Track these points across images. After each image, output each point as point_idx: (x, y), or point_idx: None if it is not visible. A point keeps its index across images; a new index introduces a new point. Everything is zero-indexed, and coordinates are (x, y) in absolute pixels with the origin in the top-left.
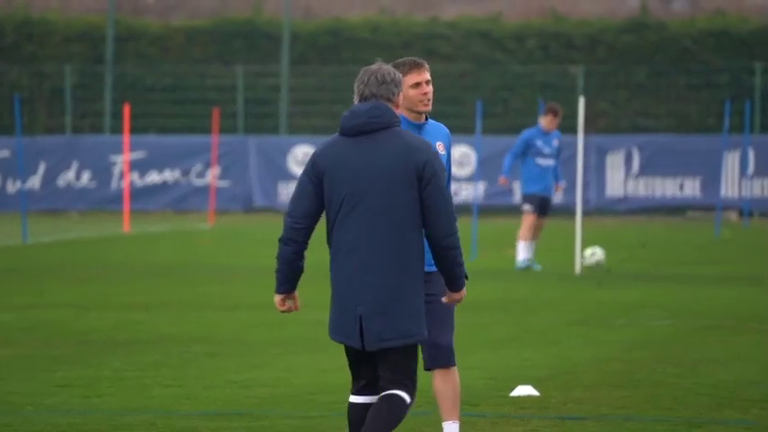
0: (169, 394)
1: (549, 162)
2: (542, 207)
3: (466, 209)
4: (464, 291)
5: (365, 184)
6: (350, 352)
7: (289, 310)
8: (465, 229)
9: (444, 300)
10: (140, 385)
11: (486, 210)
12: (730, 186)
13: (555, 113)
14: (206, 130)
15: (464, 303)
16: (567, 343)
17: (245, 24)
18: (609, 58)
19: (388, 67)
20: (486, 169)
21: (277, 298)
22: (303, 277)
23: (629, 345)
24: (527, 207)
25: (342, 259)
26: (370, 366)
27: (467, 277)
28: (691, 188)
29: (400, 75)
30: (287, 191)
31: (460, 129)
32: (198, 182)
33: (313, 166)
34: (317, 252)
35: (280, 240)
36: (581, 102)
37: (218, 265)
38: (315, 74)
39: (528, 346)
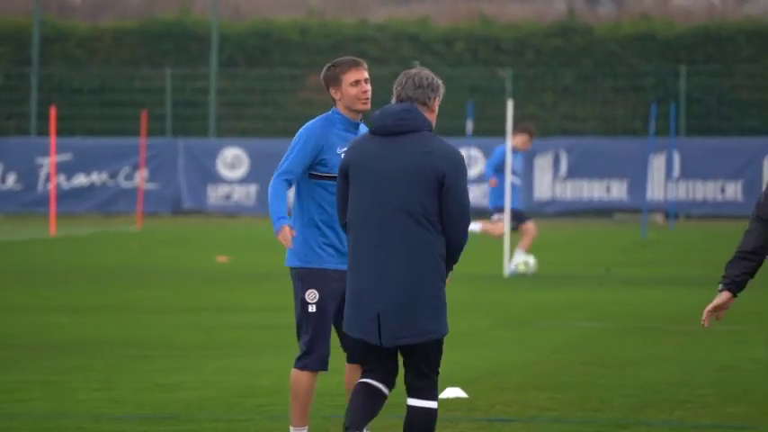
0: (97, 398)
1: (518, 182)
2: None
3: None
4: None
5: (387, 184)
6: (365, 346)
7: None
8: None
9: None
10: (68, 389)
11: None
12: (656, 189)
13: (529, 134)
14: (134, 133)
15: None
16: (496, 345)
17: (173, 26)
18: (536, 61)
19: (427, 72)
20: None
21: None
22: (230, 280)
23: (556, 347)
24: (496, 217)
25: (360, 257)
26: (382, 360)
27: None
28: (617, 190)
29: (439, 80)
30: (216, 193)
31: None
32: (126, 184)
33: (343, 162)
34: (242, 255)
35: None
36: (509, 105)
37: (146, 268)
38: (244, 76)
39: (457, 348)
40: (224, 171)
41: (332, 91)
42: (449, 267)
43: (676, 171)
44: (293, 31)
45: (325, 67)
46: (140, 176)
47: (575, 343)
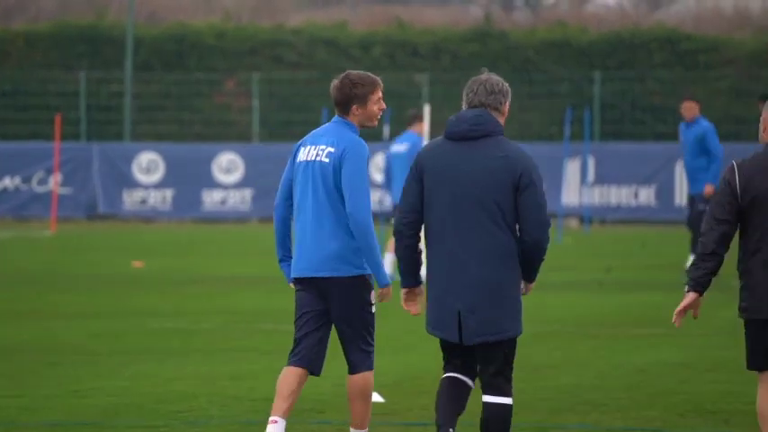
0: (10, 405)
1: None
2: None
3: None
4: (533, 284)
5: (464, 188)
6: (446, 343)
7: (412, 310)
8: None
9: (522, 290)
10: None
11: None
12: (571, 193)
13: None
14: (48, 137)
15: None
16: (414, 350)
17: (87, 29)
18: (453, 66)
19: (496, 78)
20: None
21: (401, 292)
22: (145, 286)
23: None
24: None
25: (440, 257)
26: (463, 357)
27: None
28: None
29: (507, 85)
30: (131, 198)
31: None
32: (39, 189)
33: (417, 164)
34: (158, 260)
35: (393, 234)
36: (426, 109)
37: (60, 273)
38: (159, 80)
39: (378, 354)
40: (139, 175)
41: (354, 108)
42: (530, 274)
43: (591, 176)
44: (209, 36)
45: (343, 84)
46: (54, 181)
47: None
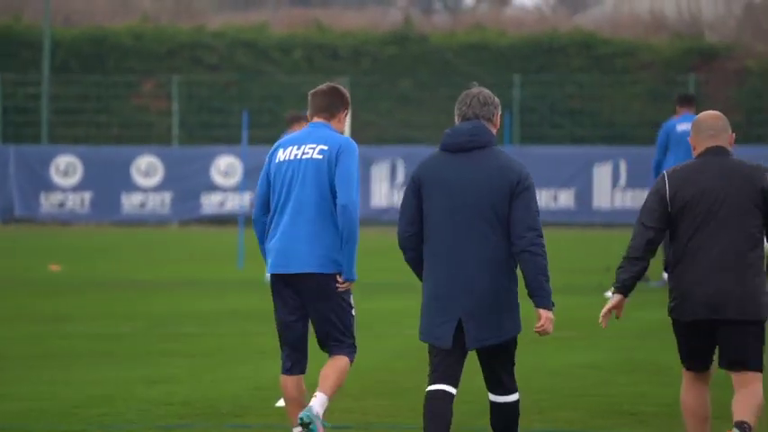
0: None
1: None
2: None
3: (232, 219)
4: (550, 313)
5: (463, 198)
6: (435, 350)
7: None
8: (231, 239)
9: (538, 327)
10: None
11: (252, 220)
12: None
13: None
14: None
15: (231, 312)
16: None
17: (3, 30)
18: (373, 69)
19: (486, 91)
20: (252, 180)
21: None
22: (63, 289)
23: (394, 354)
24: None
25: (439, 265)
26: (450, 361)
27: (553, 304)
28: None
29: (496, 97)
30: (49, 201)
31: (226, 139)
32: None
33: (415, 178)
34: (75, 264)
35: (399, 247)
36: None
37: None
38: (77, 82)
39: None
40: (57, 178)
41: (341, 115)
42: (539, 294)
43: None
44: (127, 37)
45: (334, 92)
46: None
47: (412, 350)
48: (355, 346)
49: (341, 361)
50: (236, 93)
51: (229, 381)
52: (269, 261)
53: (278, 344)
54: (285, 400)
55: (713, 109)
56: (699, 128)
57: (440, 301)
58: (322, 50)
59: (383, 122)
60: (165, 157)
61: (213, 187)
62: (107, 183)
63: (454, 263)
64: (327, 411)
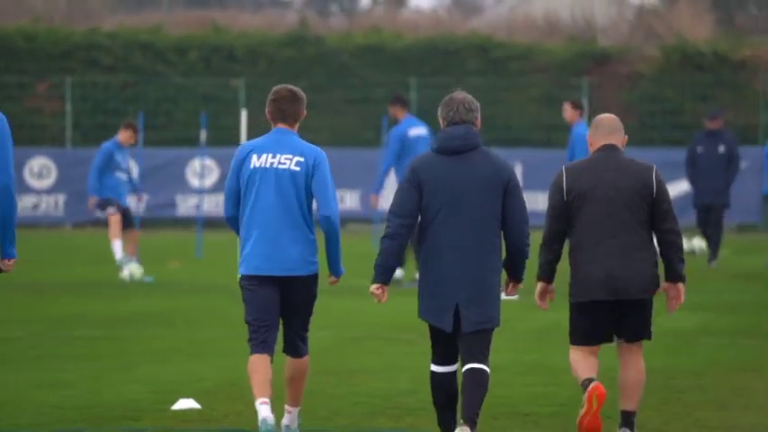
0: None
1: (124, 176)
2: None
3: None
4: (521, 284)
5: (460, 195)
6: (436, 331)
7: (381, 300)
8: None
9: (510, 290)
10: None
11: (148, 222)
12: (390, 199)
13: (134, 129)
14: None
15: (127, 315)
16: (231, 355)
17: None
18: (270, 71)
19: (469, 96)
20: (147, 182)
21: (374, 287)
22: None
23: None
24: (111, 210)
25: (439, 257)
26: (449, 342)
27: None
28: (350, 201)
29: (478, 103)
30: None
31: None
32: None
33: (414, 175)
34: None
35: (385, 237)
36: (243, 114)
37: None
38: None
39: (192, 358)
40: None
41: (300, 119)
42: (519, 274)
43: None
44: (19, 39)
45: (298, 98)
46: None
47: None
48: (307, 343)
49: (305, 365)
50: (131, 94)
51: (126, 384)
52: (247, 263)
53: (174, 347)
54: (253, 377)
55: (607, 112)
56: (597, 127)
57: (439, 288)
58: (218, 52)
59: None
60: (59, 159)
61: None
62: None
63: (454, 255)
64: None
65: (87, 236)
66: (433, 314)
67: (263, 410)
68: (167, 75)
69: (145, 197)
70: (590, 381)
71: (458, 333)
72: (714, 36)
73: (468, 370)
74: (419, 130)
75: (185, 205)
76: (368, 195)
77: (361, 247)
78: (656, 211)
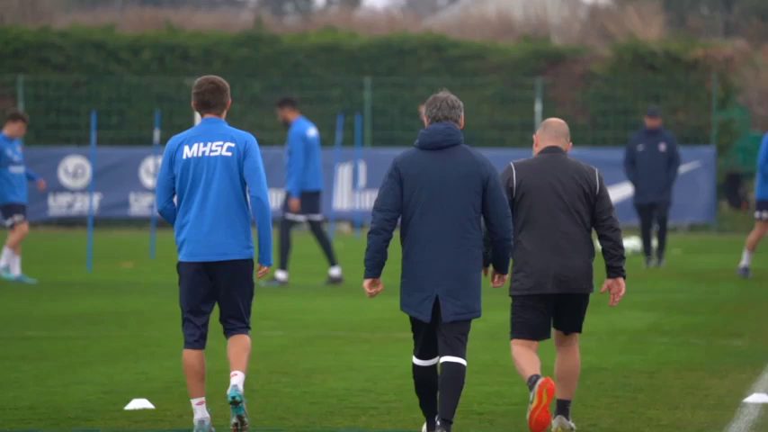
0: None
1: (20, 170)
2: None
3: (81, 221)
4: (507, 276)
5: (440, 190)
6: (417, 324)
7: (376, 293)
8: (80, 241)
9: (496, 282)
10: None
11: (101, 222)
12: (344, 198)
13: (23, 120)
14: None
15: (79, 315)
16: (181, 355)
17: None
18: (224, 70)
19: (453, 95)
20: (101, 181)
21: (367, 282)
22: None
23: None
24: (18, 218)
25: (420, 249)
26: (430, 334)
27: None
28: None
29: (461, 102)
30: None
31: (75, 140)
32: None
33: (396, 170)
34: None
35: (371, 233)
36: (197, 114)
37: None
38: None
39: (144, 358)
40: None
41: (227, 107)
42: (504, 266)
43: (362, 181)
44: None
45: (222, 88)
46: None
47: (262, 352)
48: (250, 327)
49: (245, 340)
50: (84, 93)
51: (77, 384)
52: (183, 250)
53: (127, 347)
54: (188, 374)
55: (560, 112)
56: (545, 128)
57: (420, 280)
58: (172, 51)
59: (234, 124)
60: None
61: (61, 188)
62: None
63: (434, 248)
64: (176, 415)
65: (40, 235)
66: (413, 306)
67: (200, 411)
68: (120, 74)
69: (44, 182)
70: (537, 377)
71: (437, 325)
72: (666, 36)
73: (445, 363)
74: (314, 131)
75: (139, 205)
76: (323, 194)
77: (314, 247)
78: (597, 209)
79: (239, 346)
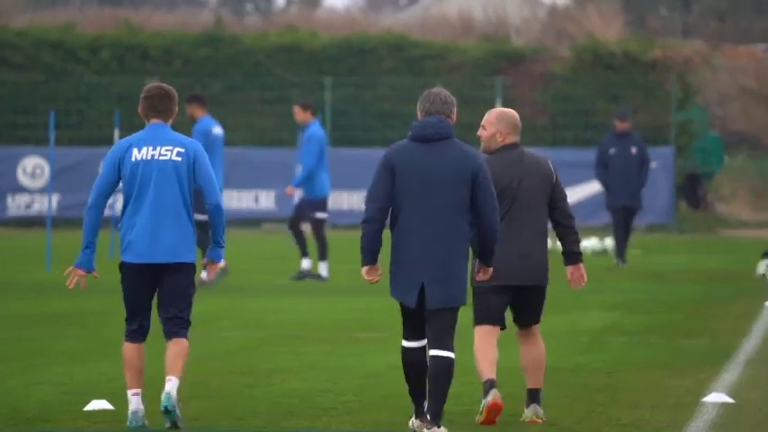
0: None
1: None
2: None
3: (39, 221)
4: (491, 268)
5: (430, 181)
6: (405, 308)
7: (374, 280)
8: (39, 241)
9: (481, 274)
10: None
11: (60, 222)
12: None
13: None
14: None
15: (38, 315)
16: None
17: None
18: (184, 70)
19: (446, 91)
20: (60, 181)
21: (365, 269)
22: None
23: (204, 356)
24: None
25: (408, 238)
26: (417, 319)
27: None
28: (265, 200)
29: (454, 98)
30: None
31: (33, 140)
32: None
33: (388, 161)
34: None
35: (364, 222)
36: None
37: None
38: None
39: (104, 359)
40: None
41: (175, 114)
42: (489, 258)
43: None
44: None
45: (171, 94)
46: None
47: (223, 352)
48: (190, 322)
49: (183, 344)
50: (43, 93)
51: (36, 385)
52: (129, 251)
53: (86, 347)
54: (127, 368)
55: (521, 112)
56: (507, 122)
57: (408, 268)
58: (132, 51)
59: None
60: None
61: (19, 189)
62: None
63: (422, 237)
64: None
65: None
66: (400, 292)
67: (134, 402)
68: (79, 73)
69: None
70: (491, 385)
71: (424, 310)
72: (625, 37)
73: (432, 358)
74: (219, 129)
75: None
76: (283, 195)
77: (276, 247)
78: (554, 196)
79: (176, 350)
